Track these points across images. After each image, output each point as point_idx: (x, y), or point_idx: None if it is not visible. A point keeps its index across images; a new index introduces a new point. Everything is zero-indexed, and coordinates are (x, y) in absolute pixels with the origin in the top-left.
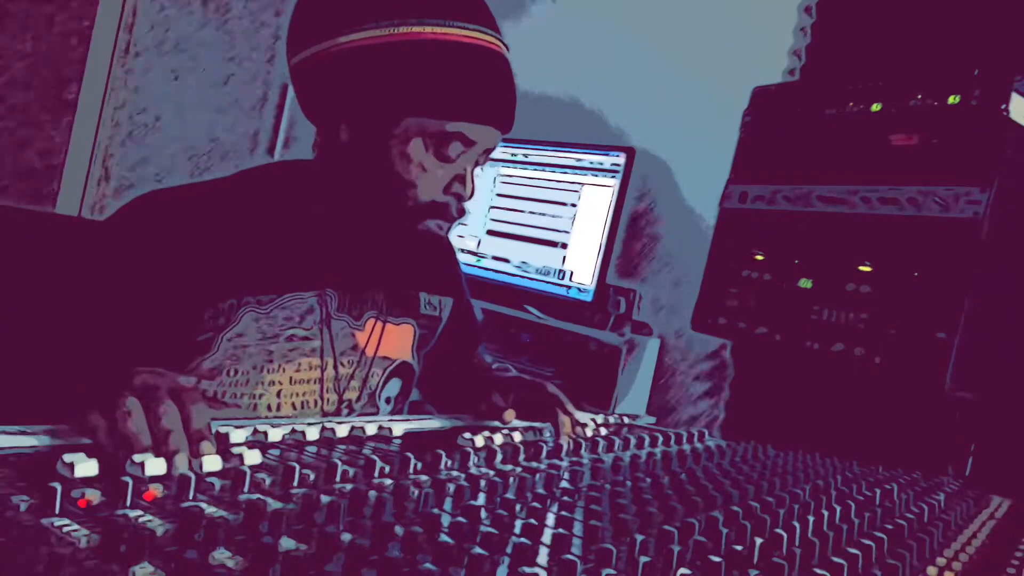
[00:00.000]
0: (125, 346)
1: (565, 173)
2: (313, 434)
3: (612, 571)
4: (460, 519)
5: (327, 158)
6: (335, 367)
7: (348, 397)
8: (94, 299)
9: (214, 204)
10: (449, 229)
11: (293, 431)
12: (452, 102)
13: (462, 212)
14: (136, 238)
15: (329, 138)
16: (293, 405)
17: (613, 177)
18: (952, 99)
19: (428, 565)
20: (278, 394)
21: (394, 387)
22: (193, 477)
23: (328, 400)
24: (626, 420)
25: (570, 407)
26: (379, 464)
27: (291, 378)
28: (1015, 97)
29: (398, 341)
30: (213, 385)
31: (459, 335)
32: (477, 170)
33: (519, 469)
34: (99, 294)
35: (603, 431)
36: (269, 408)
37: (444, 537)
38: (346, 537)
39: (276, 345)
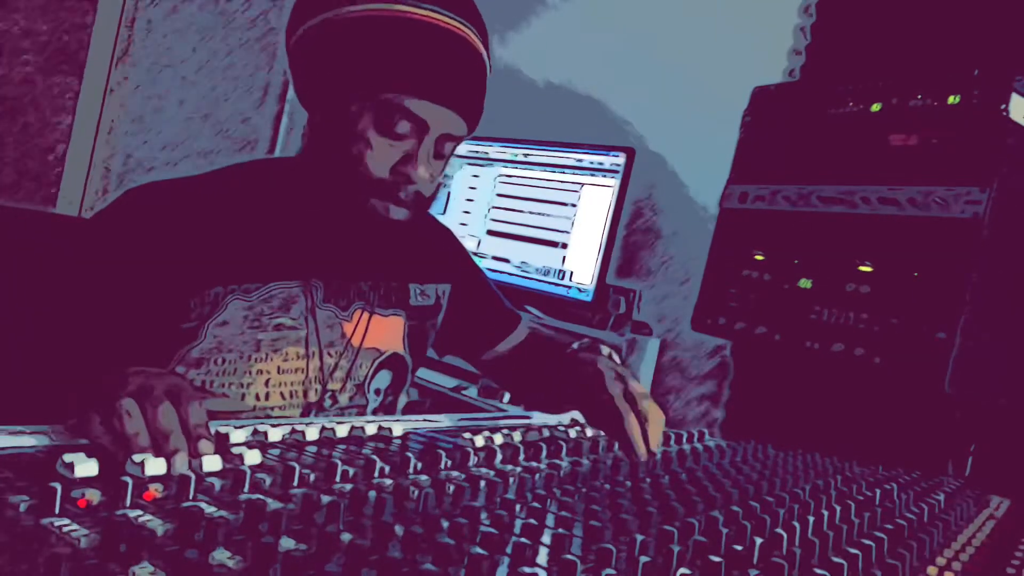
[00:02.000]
0: (117, 338)
1: (565, 173)
2: (313, 434)
3: (612, 571)
4: (460, 519)
5: (305, 145)
6: (320, 357)
7: (333, 388)
8: (86, 291)
9: (202, 195)
10: (404, 214)
11: (293, 431)
12: (391, 72)
13: (420, 198)
14: (125, 228)
15: (308, 124)
16: (281, 395)
17: (613, 177)
18: (952, 99)
19: (428, 565)
20: (266, 383)
21: (384, 378)
22: (193, 477)
23: (314, 390)
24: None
25: (631, 421)
26: (379, 464)
27: (279, 367)
28: (1015, 97)
29: (386, 332)
30: (201, 374)
31: (484, 313)
32: (476, 169)
33: (519, 469)
34: (90, 285)
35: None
36: (258, 397)
37: (444, 537)
38: (346, 537)
39: (263, 334)
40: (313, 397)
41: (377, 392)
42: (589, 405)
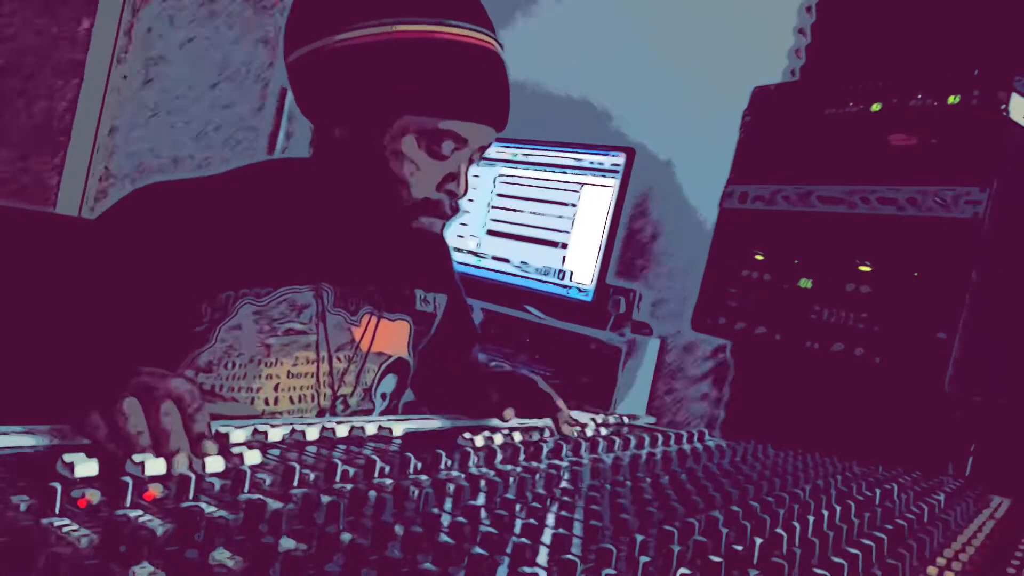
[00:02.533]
0: (124, 340)
1: (565, 173)
2: (313, 434)
3: (612, 571)
4: (460, 519)
5: (323, 155)
6: (330, 362)
7: (343, 392)
8: (93, 292)
9: (212, 197)
10: (444, 227)
11: (293, 431)
12: (445, 100)
13: (456, 210)
14: (134, 229)
15: (325, 135)
16: (291, 399)
17: (613, 177)
18: (952, 99)
19: (428, 565)
20: (276, 388)
21: (390, 383)
22: (193, 477)
23: (324, 395)
24: (626, 420)
25: (560, 403)
26: (379, 464)
27: (288, 372)
28: (1015, 97)
29: (393, 337)
30: (211, 378)
31: (454, 333)
32: (476, 169)
33: (519, 469)
34: (98, 286)
35: (603, 431)
36: (267, 402)
37: (444, 537)
38: (346, 537)
39: (274, 339)
40: (325, 402)
41: (383, 397)
42: (524, 401)
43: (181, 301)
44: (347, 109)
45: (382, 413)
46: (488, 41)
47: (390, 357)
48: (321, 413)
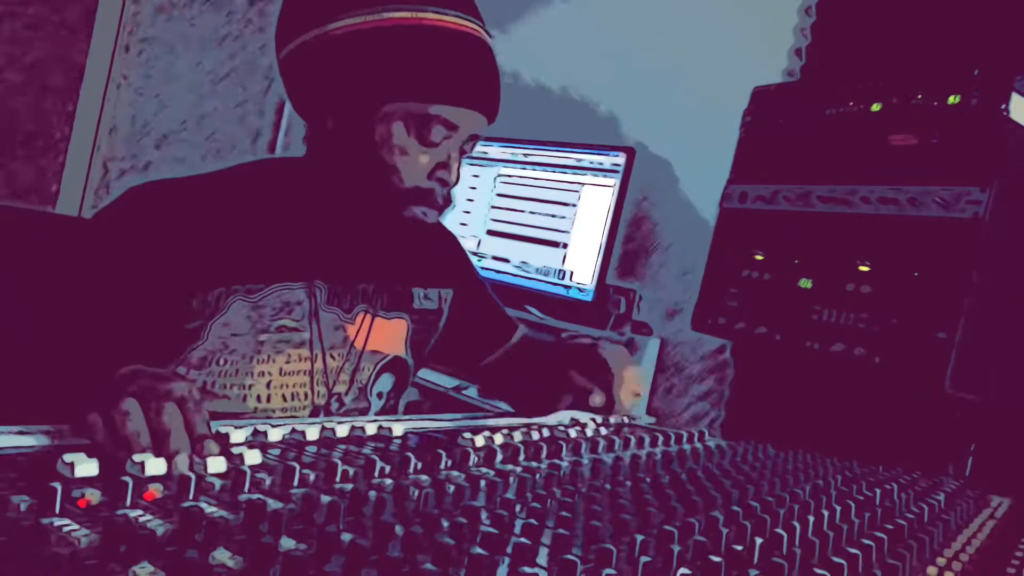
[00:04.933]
0: (120, 338)
1: (565, 173)
2: (313, 434)
3: (612, 571)
4: (460, 519)
5: (316, 151)
6: (324, 360)
7: (337, 391)
8: (90, 290)
9: (207, 195)
10: (437, 216)
11: (293, 431)
12: (432, 84)
13: (449, 200)
14: (130, 227)
15: (317, 131)
16: (283, 397)
17: (613, 177)
18: (952, 99)
19: (428, 565)
20: (268, 385)
21: (386, 382)
22: (193, 477)
23: (318, 393)
24: (626, 420)
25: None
26: (379, 464)
27: (281, 369)
28: (1015, 97)
29: (389, 336)
30: (203, 375)
31: (484, 321)
32: (476, 169)
33: (519, 469)
34: (94, 284)
35: (603, 431)
36: (259, 399)
37: (444, 537)
38: (346, 537)
39: (266, 335)
40: (319, 400)
41: (379, 396)
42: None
43: (175, 298)
44: (336, 98)
45: (380, 412)
46: (475, 28)
47: (386, 356)
48: (316, 411)
